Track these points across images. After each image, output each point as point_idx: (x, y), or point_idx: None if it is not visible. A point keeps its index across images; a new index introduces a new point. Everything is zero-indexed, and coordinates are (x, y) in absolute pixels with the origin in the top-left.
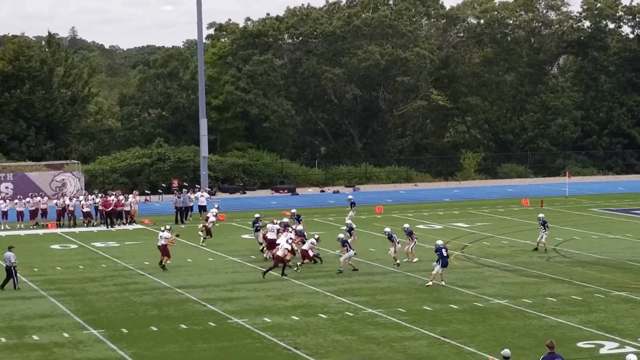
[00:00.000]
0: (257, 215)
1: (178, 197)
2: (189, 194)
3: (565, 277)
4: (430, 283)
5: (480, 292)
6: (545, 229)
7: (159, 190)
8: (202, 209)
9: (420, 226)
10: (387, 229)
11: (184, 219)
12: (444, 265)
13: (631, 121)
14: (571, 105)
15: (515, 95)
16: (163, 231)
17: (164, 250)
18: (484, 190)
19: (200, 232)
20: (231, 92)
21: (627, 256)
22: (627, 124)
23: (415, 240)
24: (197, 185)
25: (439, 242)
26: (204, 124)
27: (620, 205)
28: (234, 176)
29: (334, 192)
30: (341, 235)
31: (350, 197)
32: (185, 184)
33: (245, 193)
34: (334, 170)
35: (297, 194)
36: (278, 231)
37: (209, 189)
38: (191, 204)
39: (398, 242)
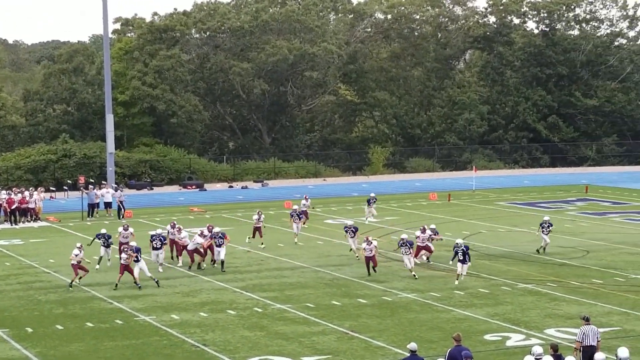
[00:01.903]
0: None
1: (87, 194)
2: (95, 190)
3: (473, 271)
4: (457, 282)
5: (388, 286)
6: (547, 232)
7: (65, 187)
8: (108, 205)
9: (329, 221)
10: (404, 236)
11: (89, 216)
12: (462, 262)
13: (536, 115)
14: (477, 100)
15: (423, 90)
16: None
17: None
18: (392, 185)
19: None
20: (138, 88)
21: (532, 249)
22: (533, 118)
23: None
24: (103, 182)
25: (459, 241)
26: (110, 119)
27: (526, 199)
28: (141, 172)
29: (242, 188)
30: (405, 236)
31: (372, 194)
32: (91, 180)
33: (152, 189)
34: (243, 166)
35: (205, 190)
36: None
37: (116, 186)
38: (97, 201)
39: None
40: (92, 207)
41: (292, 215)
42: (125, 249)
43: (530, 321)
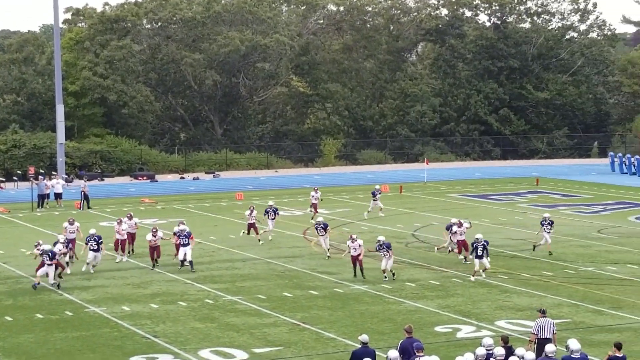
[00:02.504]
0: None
1: (37, 185)
2: (45, 181)
3: (424, 262)
4: (473, 279)
5: (340, 277)
6: (549, 229)
7: (14, 178)
8: (58, 196)
9: (282, 212)
10: (381, 238)
11: (39, 207)
12: (478, 257)
13: (488, 108)
14: (429, 92)
15: (375, 82)
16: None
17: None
18: (344, 177)
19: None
20: (89, 78)
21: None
22: (484, 110)
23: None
24: (53, 173)
25: (479, 235)
26: (60, 110)
27: (477, 191)
28: (91, 163)
29: (193, 179)
30: (382, 238)
31: (377, 185)
32: (41, 171)
33: (103, 180)
34: (194, 157)
35: (157, 181)
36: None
37: (66, 176)
38: (47, 192)
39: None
40: (42, 197)
41: (266, 212)
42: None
43: (481, 313)
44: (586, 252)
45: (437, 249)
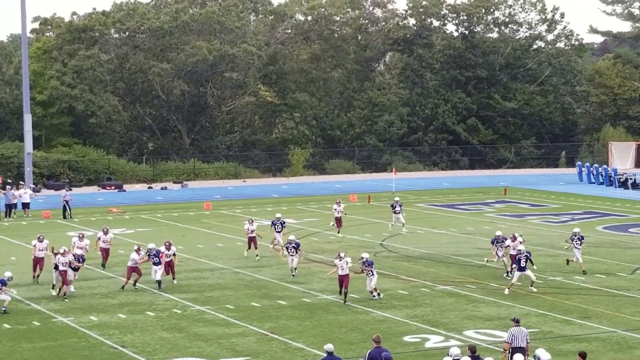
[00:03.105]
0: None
1: (4, 194)
2: (12, 191)
3: (392, 272)
4: (507, 292)
5: (308, 287)
6: (578, 245)
7: None
8: (26, 206)
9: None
10: (365, 255)
11: (7, 216)
12: (521, 270)
13: (456, 118)
14: (397, 102)
15: (343, 92)
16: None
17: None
18: (312, 186)
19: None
20: (56, 88)
21: (451, 251)
22: (452, 120)
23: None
24: (21, 182)
25: (521, 247)
26: (28, 119)
27: (445, 201)
28: (59, 172)
29: (161, 189)
30: (365, 255)
31: (396, 198)
32: (9, 180)
33: (71, 190)
34: (162, 167)
35: (125, 191)
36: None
37: (34, 186)
38: (15, 202)
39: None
40: (10, 207)
41: (273, 224)
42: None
43: (449, 323)
44: (554, 261)
45: (487, 260)
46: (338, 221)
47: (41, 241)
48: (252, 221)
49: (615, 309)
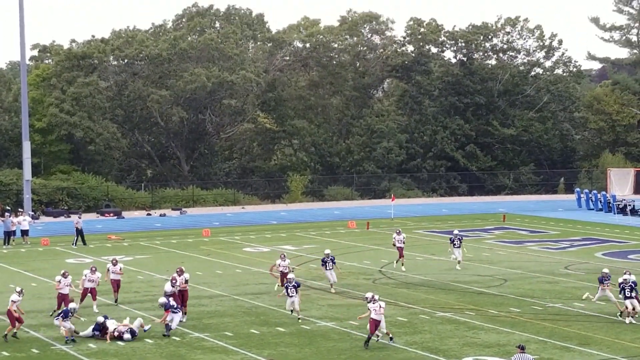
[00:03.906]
0: (327, 251)
1: (3, 221)
2: (11, 218)
3: (391, 299)
4: (627, 321)
5: (307, 314)
6: (605, 285)
7: None
8: (25, 233)
9: (248, 249)
10: (627, 277)
11: (5, 244)
12: (628, 298)
13: (454, 144)
14: (396, 129)
15: (341, 119)
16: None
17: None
18: (310, 213)
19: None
20: (55, 115)
21: (450, 277)
22: (450, 147)
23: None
24: (20, 209)
25: (627, 276)
26: (27, 146)
27: (443, 227)
28: (58, 199)
29: (160, 216)
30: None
31: (455, 231)
32: (7, 207)
33: (69, 217)
34: (161, 194)
35: (123, 217)
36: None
37: (32, 213)
38: (14, 229)
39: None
40: (9, 235)
41: (324, 262)
42: None
43: (448, 349)
44: (553, 288)
45: (589, 297)
46: (400, 251)
47: (66, 277)
48: (285, 257)
49: (615, 336)
